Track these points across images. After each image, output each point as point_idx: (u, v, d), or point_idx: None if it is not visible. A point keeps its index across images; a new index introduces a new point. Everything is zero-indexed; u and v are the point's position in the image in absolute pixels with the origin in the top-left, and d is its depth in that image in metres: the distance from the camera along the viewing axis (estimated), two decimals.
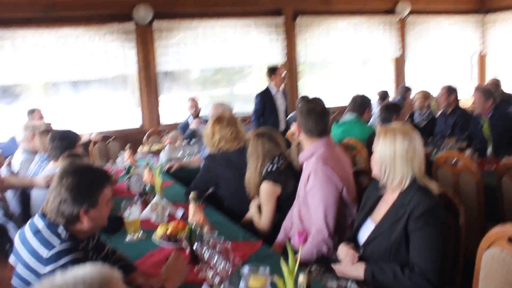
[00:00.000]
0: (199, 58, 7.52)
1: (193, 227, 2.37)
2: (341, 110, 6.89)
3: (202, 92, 7.88)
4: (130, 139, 6.08)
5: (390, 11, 8.80)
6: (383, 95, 7.58)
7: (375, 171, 2.31)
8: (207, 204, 3.34)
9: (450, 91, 5.48)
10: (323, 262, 2.49)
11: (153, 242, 2.73)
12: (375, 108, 6.43)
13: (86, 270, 1.17)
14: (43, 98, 6.97)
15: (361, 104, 4.69)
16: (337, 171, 2.71)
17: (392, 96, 8.18)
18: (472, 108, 5.53)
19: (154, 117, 7.38)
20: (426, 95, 6.24)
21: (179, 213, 3.23)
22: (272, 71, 6.31)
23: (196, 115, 6.14)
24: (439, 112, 5.80)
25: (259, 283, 1.77)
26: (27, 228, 1.99)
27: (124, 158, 4.79)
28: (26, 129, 4.48)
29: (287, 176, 3.19)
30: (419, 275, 2.08)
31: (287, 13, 7.99)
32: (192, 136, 5.94)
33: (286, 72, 7.41)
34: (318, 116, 2.80)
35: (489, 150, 4.38)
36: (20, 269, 1.91)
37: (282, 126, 6.38)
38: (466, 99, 7.86)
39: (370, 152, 4.09)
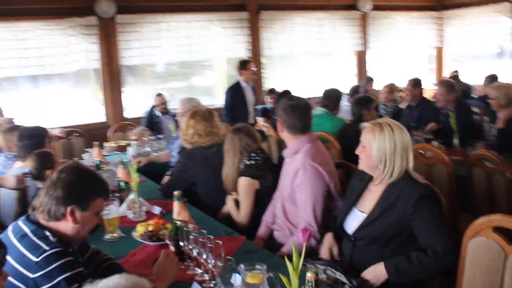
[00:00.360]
0: (163, 52, 7.40)
1: (178, 225, 2.34)
2: None
3: (162, 86, 7.77)
4: (94, 134, 5.94)
5: (352, 6, 8.94)
6: (354, 90, 7.69)
7: (369, 164, 2.34)
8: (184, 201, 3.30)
9: (416, 84, 5.60)
10: (311, 255, 2.52)
11: (134, 240, 2.68)
12: (344, 102, 6.51)
13: (117, 279, 1.14)
14: (0, 94, 6.70)
15: (335, 98, 4.74)
16: (324, 167, 2.74)
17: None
18: (434, 100, 5.69)
19: (118, 112, 7.22)
20: (392, 89, 6.36)
21: (156, 210, 3.19)
22: (243, 64, 6.28)
23: (164, 111, 6.05)
24: (406, 105, 5.93)
25: (257, 279, 1.76)
26: (9, 232, 1.90)
27: (92, 154, 4.67)
28: None
29: (265, 171, 3.20)
30: (442, 252, 2.12)
31: (251, 7, 7.97)
32: (152, 125, 5.95)
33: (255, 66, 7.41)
34: (301, 112, 2.80)
35: (455, 141, 4.53)
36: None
37: (252, 119, 6.37)
38: (424, 90, 8.08)
39: (342, 145, 4.16)
